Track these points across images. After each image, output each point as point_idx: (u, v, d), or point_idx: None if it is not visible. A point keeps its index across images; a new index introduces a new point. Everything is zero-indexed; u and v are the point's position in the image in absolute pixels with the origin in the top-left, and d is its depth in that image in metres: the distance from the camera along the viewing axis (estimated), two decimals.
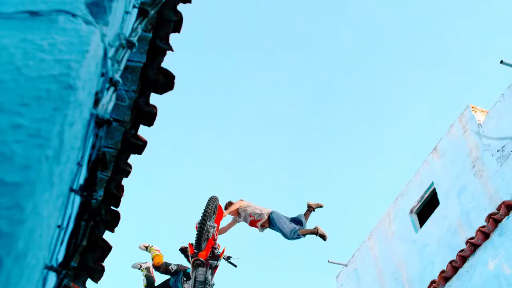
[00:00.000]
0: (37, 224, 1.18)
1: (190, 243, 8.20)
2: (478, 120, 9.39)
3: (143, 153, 3.30)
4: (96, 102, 1.61)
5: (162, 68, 3.07)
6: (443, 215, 9.58)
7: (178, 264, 9.31)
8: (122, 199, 3.44)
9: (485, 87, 26.41)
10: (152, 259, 9.63)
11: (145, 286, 9.71)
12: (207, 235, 7.83)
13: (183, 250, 8.75)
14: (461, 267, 8.23)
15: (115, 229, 3.49)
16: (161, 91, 3.16)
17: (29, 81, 1.31)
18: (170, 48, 3.05)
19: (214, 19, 27.75)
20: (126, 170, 3.29)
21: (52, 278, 1.91)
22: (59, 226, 1.61)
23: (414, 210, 10.48)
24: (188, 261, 8.41)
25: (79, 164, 1.63)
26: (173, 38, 3.07)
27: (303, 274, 28.58)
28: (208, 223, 7.77)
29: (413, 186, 10.59)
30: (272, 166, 29.66)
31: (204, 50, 28.09)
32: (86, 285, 3.45)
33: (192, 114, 28.87)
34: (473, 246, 8.06)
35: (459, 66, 27.85)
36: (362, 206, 29.44)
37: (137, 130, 3.17)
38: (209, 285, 7.70)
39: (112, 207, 3.43)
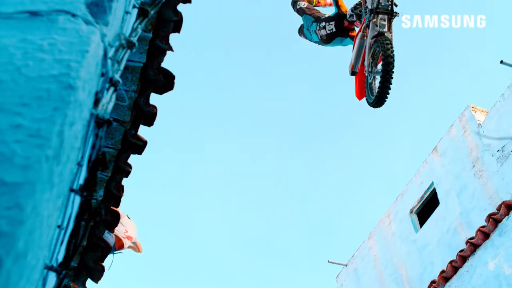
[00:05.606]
0: (37, 224, 1.18)
1: None
2: (478, 120, 9.39)
3: (143, 153, 3.30)
4: (96, 102, 1.61)
5: (162, 68, 3.07)
6: (443, 215, 9.58)
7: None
8: (122, 199, 3.45)
9: (485, 87, 26.41)
10: None
11: None
12: None
13: None
14: (461, 267, 8.23)
15: (115, 229, 3.50)
16: (161, 91, 3.16)
17: (29, 81, 1.31)
18: (170, 48, 3.05)
19: (214, 19, 27.74)
20: (126, 170, 3.29)
21: (52, 278, 1.91)
22: (59, 226, 1.61)
23: (414, 210, 10.48)
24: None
25: (79, 164, 1.63)
26: (173, 38, 3.08)
27: (303, 274, 28.58)
28: None
29: (413, 186, 10.59)
30: (272, 166, 29.66)
31: (204, 50, 28.09)
32: (86, 285, 3.46)
33: (191, 114, 28.88)
34: (473, 246, 8.07)
35: (459, 66, 27.86)
36: (362, 206, 29.45)
37: (137, 130, 3.17)
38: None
39: (112, 207, 3.43)
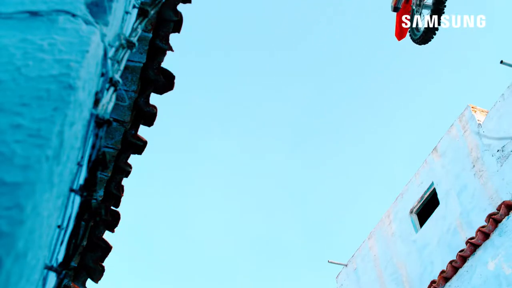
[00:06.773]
0: (37, 224, 1.18)
1: None
2: (478, 120, 9.39)
3: (143, 153, 3.30)
4: (96, 102, 1.61)
5: (162, 68, 3.07)
6: (443, 215, 9.58)
7: None
8: (122, 199, 3.45)
9: (485, 87, 26.43)
10: None
11: None
12: None
13: None
14: (461, 267, 8.23)
15: (115, 229, 3.49)
16: (161, 91, 3.16)
17: (29, 81, 1.31)
18: (170, 48, 3.05)
19: (214, 19, 27.74)
20: (126, 170, 3.29)
21: (52, 278, 1.91)
22: (59, 226, 1.61)
23: (414, 210, 10.48)
24: None
25: (79, 164, 1.63)
26: (173, 38, 3.08)
27: (303, 274, 28.57)
28: None
29: (413, 186, 10.58)
30: (272, 166, 29.65)
31: (204, 50, 28.08)
32: (86, 285, 3.45)
33: (191, 114, 28.87)
34: (473, 246, 8.06)
35: (459, 66, 27.85)
36: (362, 206, 29.45)
37: (137, 130, 3.17)
38: None
39: (112, 207, 3.43)
